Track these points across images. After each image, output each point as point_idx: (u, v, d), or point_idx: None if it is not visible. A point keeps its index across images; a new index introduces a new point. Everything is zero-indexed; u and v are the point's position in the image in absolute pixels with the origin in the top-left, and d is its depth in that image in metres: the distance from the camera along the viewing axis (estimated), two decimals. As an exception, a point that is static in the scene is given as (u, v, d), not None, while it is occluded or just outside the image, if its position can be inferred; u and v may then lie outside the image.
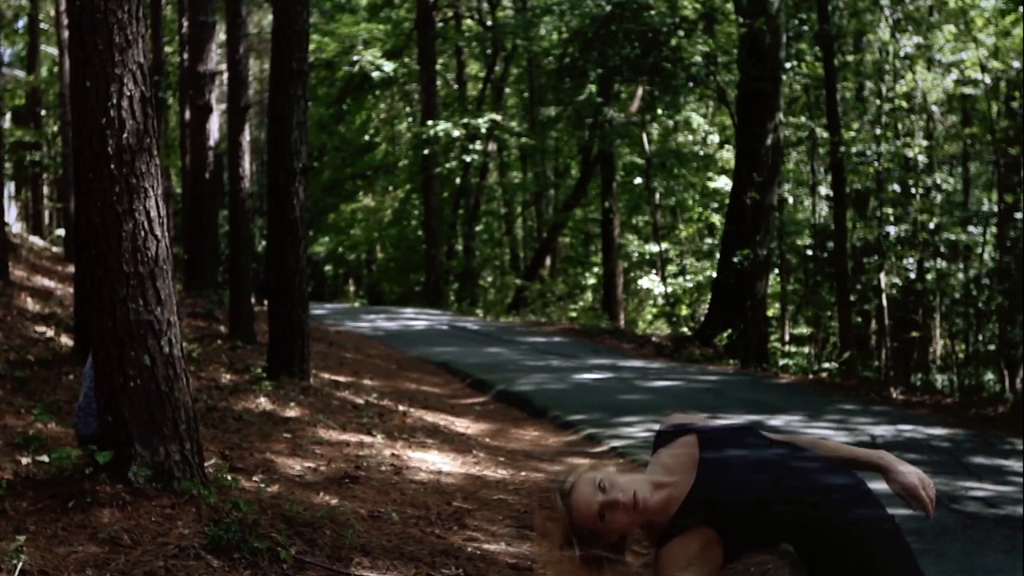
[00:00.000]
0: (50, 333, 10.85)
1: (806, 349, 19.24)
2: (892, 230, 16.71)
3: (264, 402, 8.52)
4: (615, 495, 2.54)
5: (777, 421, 9.60)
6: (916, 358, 17.88)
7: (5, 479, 5.27)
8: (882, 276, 17.09)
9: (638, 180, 24.59)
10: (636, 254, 24.77)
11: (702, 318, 19.87)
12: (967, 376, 16.41)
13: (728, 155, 22.60)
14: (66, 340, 10.31)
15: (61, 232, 23.58)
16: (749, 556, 2.60)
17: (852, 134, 17.51)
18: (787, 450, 2.68)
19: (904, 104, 17.98)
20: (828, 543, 2.53)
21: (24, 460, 5.58)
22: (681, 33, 17.78)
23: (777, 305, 20.00)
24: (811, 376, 14.45)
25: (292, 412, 8.36)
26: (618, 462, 2.65)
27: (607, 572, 2.58)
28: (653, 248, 23.64)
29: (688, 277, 23.15)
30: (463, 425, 9.58)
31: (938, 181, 17.45)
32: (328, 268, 38.07)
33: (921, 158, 17.53)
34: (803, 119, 18.87)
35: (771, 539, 2.59)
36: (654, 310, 25.84)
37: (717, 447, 2.64)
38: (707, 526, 2.52)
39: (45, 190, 30.87)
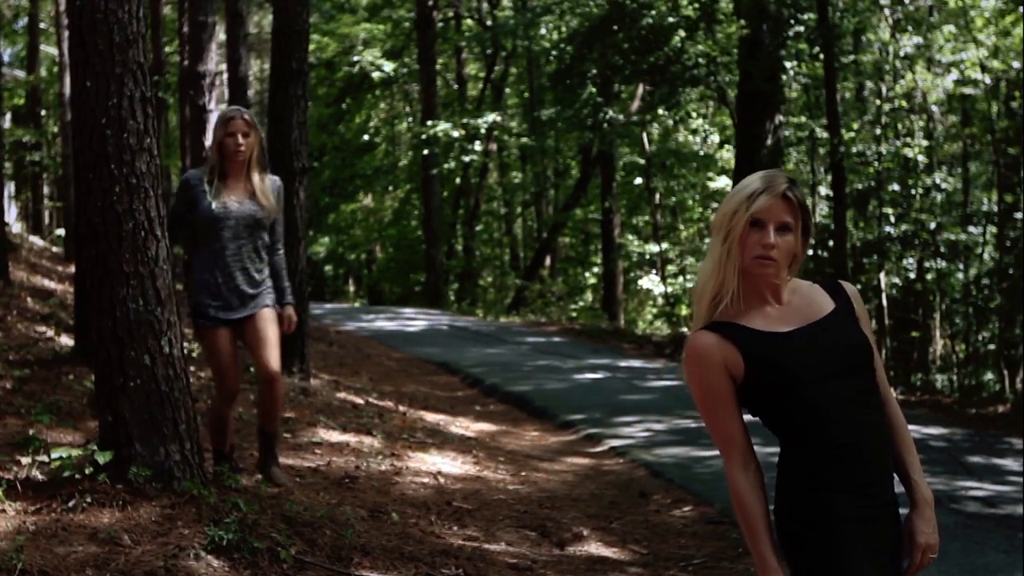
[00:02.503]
0: (50, 333, 10.84)
1: (806, 349, 19.20)
2: (892, 230, 16.70)
3: (264, 402, 8.51)
4: (774, 238, 2.56)
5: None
6: (916, 358, 17.87)
7: (5, 479, 5.27)
8: (882, 276, 17.08)
9: (638, 180, 24.58)
10: (636, 254, 24.77)
11: (702, 318, 19.83)
12: (967, 376, 16.41)
13: (728, 155, 22.60)
14: (66, 340, 10.31)
15: (61, 232, 23.58)
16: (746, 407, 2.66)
17: (852, 134, 17.51)
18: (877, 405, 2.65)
19: (904, 104, 17.98)
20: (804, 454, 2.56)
21: (24, 460, 5.58)
22: (682, 34, 17.76)
23: (777, 305, 19.97)
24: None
25: (292, 412, 8.36)
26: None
27: (731, 259, 2.60)
28: (653, 248, 23.63)
29: (688, 277, 23.13)
30: (463, 425, 9.58)
31: (938, 181, 17.44)
32: (328, 268, 38.05)
33: (921, 158, 17.52)
34: (803, 119, 18.86)
35: (771, 408, 2.60)
36: (654, 310, 25.83)
37: (839, 331, 2.62)
38: (743, 355, 2.56)
39: (45, 190, 30.86)
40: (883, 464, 2.59)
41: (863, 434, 2.56)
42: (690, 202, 24.64)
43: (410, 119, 32.16)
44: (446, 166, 27.36)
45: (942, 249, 16.94)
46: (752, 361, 2.57)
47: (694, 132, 23.47)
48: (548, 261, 29.76)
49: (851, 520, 2.53)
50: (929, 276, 17.22)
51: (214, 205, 5.52)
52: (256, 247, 5.63)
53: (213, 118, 17.04)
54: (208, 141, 16.81)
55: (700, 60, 17.68)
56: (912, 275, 17.27)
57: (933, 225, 16.71)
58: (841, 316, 2.66)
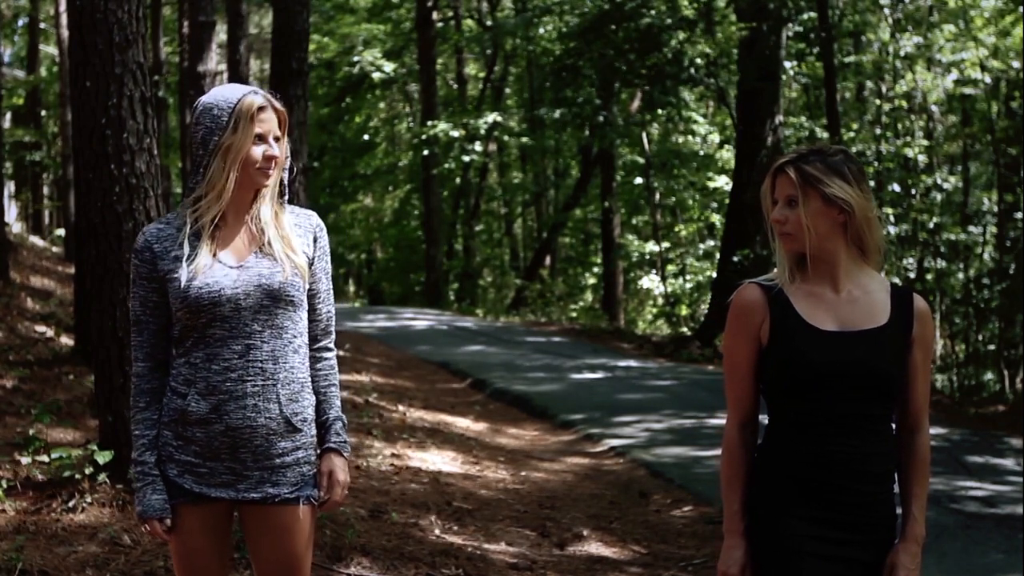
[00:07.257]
0: (50, 333, 10.84)
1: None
2: (892, 230, 16.69)
3: (264, 402, 8.50)
4: (779, 213, 2.58)
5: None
6: (916, 358, 17.82)
7: (5, 479, 5.27)
8: (882, 276, 17.08)
9: (638, 180, 24.58)
10: (636, 254, 24.76)
11: (702, 318, 19.86)
12: (967, 376, 16.40)
13: (728, 155, 22.59)
14: (66, 340, 10.31)
15: (61, 232, 23.60)
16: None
17: (852, 134, 17.51)
18: (884, 432, 2.59)
19: (904, 104, 17.97)
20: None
21: (24, 460, 5.58)
22: (681, 36, 17.74)
23: (777, 305, 19.95)
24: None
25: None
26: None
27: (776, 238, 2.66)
28: (653, 248, 23.62)
29: (688, 277, 23.14)
30: (463, 425, 9.58)
31: (938, 181, 17.44)
32: (328, 268, 38.06)
33: (921, 158, 17.52)
34: (803, 119, 18.85)
35: (770, 382, 2.60)
36: (654, 310, 25.83)
37: (873, 349, 2.55)
38: (771, 327, 2.56)
39: (45, 190, 30.89)
40: (862, 490, 2.54)
41: (841, 455, 2.52)
42: (690, 202, 24.63)
43: (410, 119, 32.16)
44: (446, 166, 27.37)
45: (942, 249, 16.94)
46: (777, 337, 2.56)
47: (692, 134, 23.45)
48: (548, 261, 29.76)
49: (804, 537, 2.51)
50: (929, 276, 17.21)
51: (189, 275, 2.80)
52: (279, 347, 2.83)
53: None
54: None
55: (699, 60, 17.67)
56: (912, 275, 17.25)
57: (933, 225, 16.70)
58: (888, 333, 2.57)
